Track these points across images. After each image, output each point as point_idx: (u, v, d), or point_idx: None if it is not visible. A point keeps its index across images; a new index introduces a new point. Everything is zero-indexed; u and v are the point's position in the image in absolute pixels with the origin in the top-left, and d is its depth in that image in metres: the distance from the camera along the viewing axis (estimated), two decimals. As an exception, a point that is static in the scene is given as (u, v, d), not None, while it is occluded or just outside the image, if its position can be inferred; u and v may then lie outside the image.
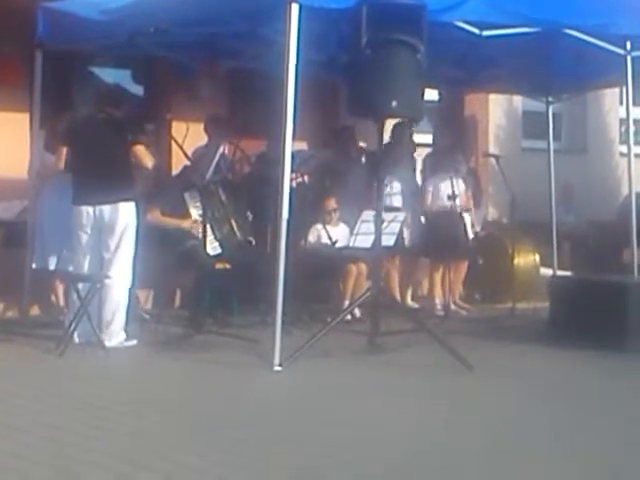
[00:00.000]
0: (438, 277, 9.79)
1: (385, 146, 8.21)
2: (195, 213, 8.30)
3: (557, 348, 7.52)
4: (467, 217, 9.95)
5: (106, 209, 7.39)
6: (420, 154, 10.41)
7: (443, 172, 9.65)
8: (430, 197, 9.79)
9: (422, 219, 9.97)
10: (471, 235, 10.08)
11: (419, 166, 10.17)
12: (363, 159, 10.04)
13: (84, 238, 7.50)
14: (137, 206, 7.53)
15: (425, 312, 9.53)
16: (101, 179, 7.36)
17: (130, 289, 7.56)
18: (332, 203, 9.26)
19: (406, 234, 9.52)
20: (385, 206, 8.48)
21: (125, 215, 7.41)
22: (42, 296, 8.85)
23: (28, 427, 4.94)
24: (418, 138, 10.62)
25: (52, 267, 8.40)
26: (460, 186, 9.72)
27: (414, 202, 9.80)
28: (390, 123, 8.96)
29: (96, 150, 7.49)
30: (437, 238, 9.48)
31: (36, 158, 8.52)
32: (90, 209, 7.44)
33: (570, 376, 6.65)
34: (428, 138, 11.25)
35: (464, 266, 10.01)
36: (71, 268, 7.78)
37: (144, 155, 7.45)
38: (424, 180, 9.95)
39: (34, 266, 8.45)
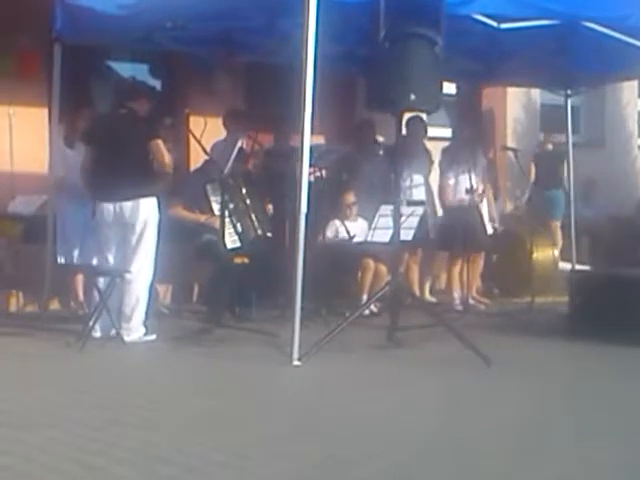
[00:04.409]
0: (456, 271, 9.76)
1: (401, 139, 8.19)
2: (216, 206, 8.30)
3: (576, 343, 7.49)
4: (486, 211, 9.92)
5: (126, 206, 7.41)
6: (435, 147, 10.36)
7: (462, 165, 9.60)
8: (448, 190, 9.76)
9: (439, 212, 9.96)
10: (491, 230, 10.03)
11: (437, 159, 10.12)
12: (381, 153, 10.02)
13: (107, 234, 7.54)
14: (159, 201, 7.54)
15: (443, 306, 9.52)
16: (122, 176, 7.37)
17: (150, 285, 7.59)
18: (351, 197, 9.24)
19: (430, 226, 9.52)
20: (406, 200, 8.45)
21: (145, 211, 7.42)
22: (62, 290, 8.90)
23: (50, 421, 4.95)
24: (435, 132, 10.58)
25: (74, 261, 8.45)
26: (478, 179, 9.68)
27: (430, 195, 9.79)
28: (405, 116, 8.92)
29: (116, 147, 7.48)
30: (455, 231, 9.46)
31: (56, 152, 8.56)
32: (111, 206, 7.47)
33: (589, 371, 6.61)
34: (445, 132, 11.23)
35: (481, 260, 9.98)
36: (94, 262, 7.82)
37: (160, 150, 7.44)
38: (442, 173, 9.90)
39: (62, 261, 8.49)
